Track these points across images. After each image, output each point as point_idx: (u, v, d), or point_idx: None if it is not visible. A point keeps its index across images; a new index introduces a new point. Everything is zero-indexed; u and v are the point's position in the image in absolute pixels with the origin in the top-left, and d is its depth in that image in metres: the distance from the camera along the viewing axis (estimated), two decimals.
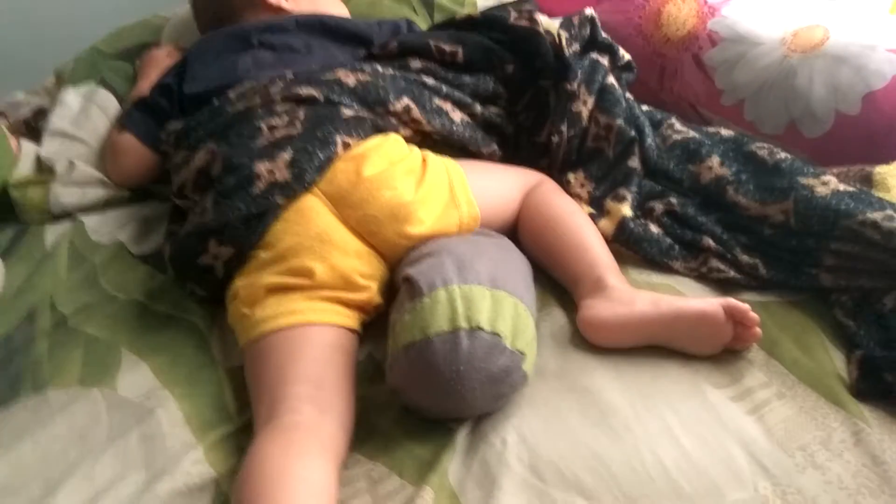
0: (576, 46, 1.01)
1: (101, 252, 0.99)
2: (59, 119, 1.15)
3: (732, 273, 0.85)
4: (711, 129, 0.98)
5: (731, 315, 0.74)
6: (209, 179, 0.85)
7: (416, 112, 0.93)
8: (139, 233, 1.03)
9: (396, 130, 0.91)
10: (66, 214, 1.06)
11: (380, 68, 0.96)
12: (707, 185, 0.91)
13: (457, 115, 0.97)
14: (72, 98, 1.19)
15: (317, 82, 0.90)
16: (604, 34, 1.03)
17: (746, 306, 0.74)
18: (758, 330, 0.74)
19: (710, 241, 0.87)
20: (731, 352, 0.76)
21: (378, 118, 0.90)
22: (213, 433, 0.73)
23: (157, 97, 1.06)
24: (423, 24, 1.25)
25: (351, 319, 0.79)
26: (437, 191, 0.84)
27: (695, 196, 0.91)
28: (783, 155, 0.89)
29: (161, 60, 1.18)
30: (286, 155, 0.81)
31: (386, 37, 1.10)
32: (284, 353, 0.73)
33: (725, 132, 0.96)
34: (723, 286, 0.85)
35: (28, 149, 1.10)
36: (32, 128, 1.22)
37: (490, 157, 0.98)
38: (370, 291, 0.80)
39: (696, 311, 0.74)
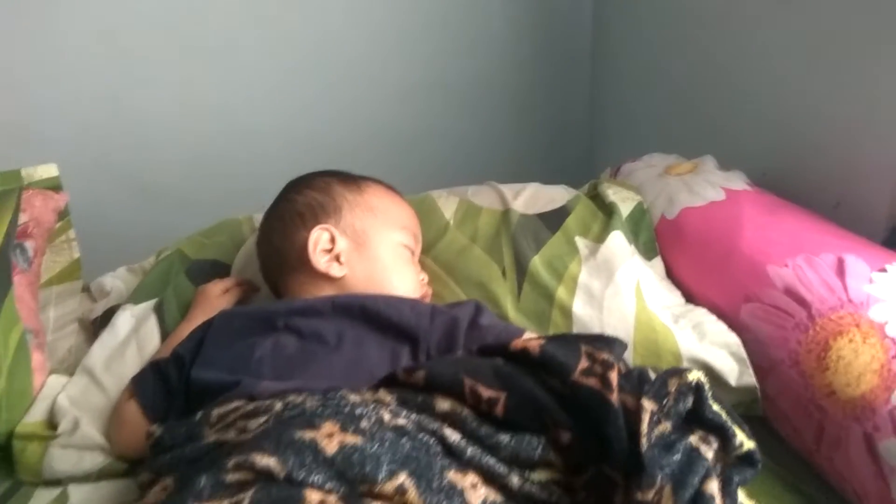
0: (667, 425, 0.71)
1: None
2: (98, 350, 1.06)
3: None
4: None
5: None
6: None
7: (412, 495, 0.68)
8: None
9: None
10: (57, 481, 0.94)
11: (386, 417, 0.74)
12: None
13: (477, 498, 0.71)
14: (123, 321, 1.09)
15: (287, 443, 0.70)
16: (714, 409, 0.72)
17: None
18: None
19: None
20: None
21: (356, 501, 0.67)
22: None
23: (170, 366, 0.92)
24: (506, 293, 1.01)
25: None
26: None
27: None
28: None
29: (212, 300, 1.06)
30: None
31: (438, 333, 0.88)
32: None
33: None
34: None
35: (48, 391, 1.01)
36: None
37: None
38: None
39: None
